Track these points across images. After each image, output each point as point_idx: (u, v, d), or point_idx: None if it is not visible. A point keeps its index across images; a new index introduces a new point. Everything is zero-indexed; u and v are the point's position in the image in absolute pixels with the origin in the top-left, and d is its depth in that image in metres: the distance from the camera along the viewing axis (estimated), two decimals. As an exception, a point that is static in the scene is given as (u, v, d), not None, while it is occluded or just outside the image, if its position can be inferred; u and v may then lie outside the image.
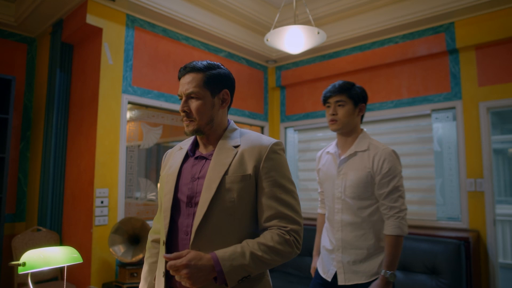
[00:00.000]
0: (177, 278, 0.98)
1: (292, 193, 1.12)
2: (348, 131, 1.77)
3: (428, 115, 3.36)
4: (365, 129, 1.83)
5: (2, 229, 2.85)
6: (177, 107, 3.40)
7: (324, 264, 1.80)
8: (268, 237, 1.05)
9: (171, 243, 1.13)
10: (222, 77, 1.17)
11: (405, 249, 2.66)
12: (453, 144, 3.27)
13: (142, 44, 3.16)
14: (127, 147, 3.08)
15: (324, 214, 2.00)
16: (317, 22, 3.68)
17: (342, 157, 1.76)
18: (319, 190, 2.02)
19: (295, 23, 2.69)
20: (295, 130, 4.38)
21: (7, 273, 3.06)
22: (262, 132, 4.43)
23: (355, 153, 1.74)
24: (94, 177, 2.79)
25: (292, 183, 1.14)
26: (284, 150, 1.18)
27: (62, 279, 2.98)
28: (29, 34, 3.49)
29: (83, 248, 2.75)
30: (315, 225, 3.06)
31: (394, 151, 1.68)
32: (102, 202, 2.81)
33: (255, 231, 1.13)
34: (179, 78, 1.18)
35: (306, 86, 4.28)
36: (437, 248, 2.68)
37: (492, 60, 3.07)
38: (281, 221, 1.07)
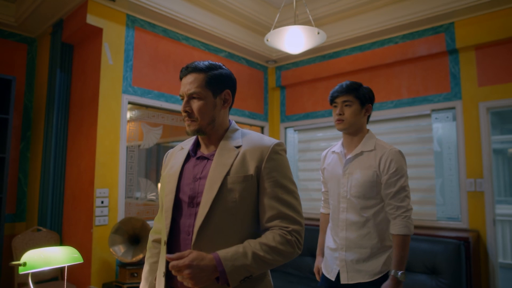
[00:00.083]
0: (179, 278, 0.98)
1: (294, 193, 1.12)
2: (354, 131, 1.78)
3: (428, 115, 3.36)
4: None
5: (2, 229, 2.86)
6: (177, 107, 3.41)
7: (328, 264, 1.80)
8: (270, 237, 1.05)
9: (173, 243, 1.13)
10: (224, 78, 1.18)
11: (405, 249, 2.66)
12: (453, 144, 3.28)
13: (142, 44, 3.17)
14: (127, 147, 3.08)
15: (327, 214, 2.01)
16: (317, 22, 3.68)
17: (348, 156, 1.77)
18: (323, 190, 2.02)
19: (295, 23, 2.69)
20: (295, 130, 4.38)
21: (8, 273, 3.06)
22: (262, 132, 4.43)
23: (361, 153, 1.75)
24: (94, 177, 2.79)
25: (294, 183, 1.14)
26: (285, 151, 1.18)
27: (63, 279, 2.98)
28: (29, 34, 3.49)
29: (83, 248, 2.75)
30: (315, 225, 3.07)
31: (400, 152, 1.70)
32: (102, 202, 2.81)
33: (257, 231, 1.13)
34: (181, 78, 1.18)
35: (306, 86, 4.28)
36: (437, 248, 2.68)
37: (492, 60, 3.07)
38: (282, 222, 1.08)
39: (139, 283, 2.63)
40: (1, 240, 2.83)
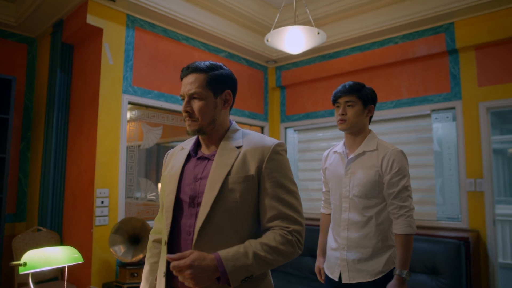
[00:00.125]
0: (180, 278, 0.98)
1: (294, 193, 1.13)
2: (357, 131, 1.79)
3: (428, 115, 3.36)
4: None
5: (3, 229, 2.86)
6: (177, 107, 3.41)
7: (330, 264, 1.81)
8: (270, 238, 1.05)
9: (173, 243, 1.13)
10: (225, 78, 1.18)
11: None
12: (453, 144, 3.28)
13: (142, 44, 3.17)
14: (127, 147, 3.08)
15: (327, 214, 2.01)
16: (317, 22, 3.68)
17: (351, 156, 1.78)
18: (324, 190, 2.03)
19: (295, 23, 2.70)
20: (295, 130, 4.39)
21: (8, 273, 3.07)
22: (262, 132, 4.43)
23: (363, 153, 1.76)
24: (94, 177, 2.79)
25: (294, 183, 1.15)
26: (286, 151, 1.18)
27: (63, 279, 2.98)
28: (29, 34, 3.49)
29: (84, 248, 2.75)
30: (315, 225, 3.07)
31: (402, 152, 1.71)
32: (102, 202, 2.81)
33: (257, 231, 1.13)
34: (182, 78, 1.18)
35: (306, 86, 4.28)
36: (437, 248, 2.68)
37: (492, 60, 3.08)
38: (283, 222, 1.08)
39: (139, 283, 2.63)
40: (1, 240, 2.83)
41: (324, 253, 1.99)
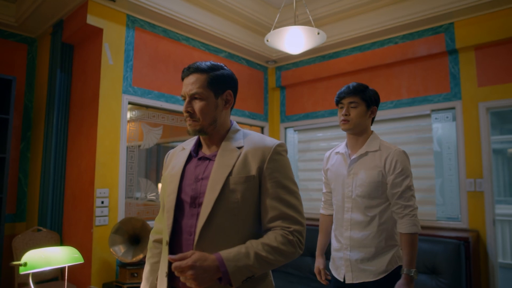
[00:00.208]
0: (182, 279, 0.99)
1: (295, 194, 1.13)
2: (359, 132, 1.80)
3: (428, 115, 3.36)
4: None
5: (3, 229, 2.86)
6: (177, 107, 3.41)
7: (336, 265, 1.81)
8: (271, 238, 1.06)
9: (174, 244, 1.13)
10: (226, 78, 1.18)
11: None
12: (453, 144, 3.28)
13: (143, 45, 3.17)
14: (127, 147, 3.08)
15: (327, 215, 2.01)
16: (317, 22, 3.68)
17: (353, 156, 1.79)
18: (324, 191, 2.03)
19: (295, 23, 2.70)
20: (295, 131, 4.39)
21: (8, 273, 3.07)
22: (262, 132, 4.44)
23: (366, 153, 1.77)
24: (94, 177, 2.79)
25: (295, 184, 1.15)
26: (287, 152, 1.19)
27: (63, 279, 2.98)
28: (29, 34, 3.49)
29: (84, 248, 2.75)
30: (315, 225, 3.07)
31: (404, 152, 1.73)
32: (102, 202, 2.81)
33: (258, 231, 1.14)
34: (183, 79, 1.19)
35: (306, 87, 4.28)
36: (437, 248, 2.69)
37: (492, 60, 3.08)
38: (284, 222, 1.08)
39: (139, 283, 2.63)
40: (1, 240, 2.83)
41: (323, 254, 2.00)
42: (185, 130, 1.16)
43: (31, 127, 3.48)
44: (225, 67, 1.20)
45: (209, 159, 1.17)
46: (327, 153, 2.01)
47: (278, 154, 1.13)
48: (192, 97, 1.15)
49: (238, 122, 3.98)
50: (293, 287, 3.07)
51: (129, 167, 3.09)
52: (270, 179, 1.10)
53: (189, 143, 1.27)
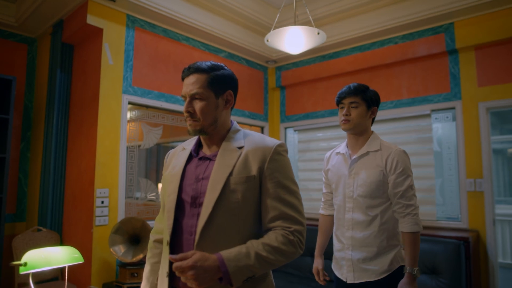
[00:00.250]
0: (183, 279, 0.99)
1: (296, 194, 1.13)
2: (360, 132, 1.81)
3: (428, 115, 3.36)
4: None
5: (3, 229, 2.86)
6: (177, 107, 3.41)
7: (339, 265, 1.82)
8: (272, 238, 1.06)
9: (175, 243, 1.13)
10: (226, 78, 1.18)
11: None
12: (453, 144, 3.28)
13: (143, 45, 3.17)
14: (127, 147, 3.08)
15: (327, 215, 2.02)
16: (317, 22, 3.68)
17: (354, 157, 1.79)
18: (324, 191, 2.03)
19: (295, 23, 2.70)
20: (295, 131, 4.39)
21: (8, 273, 3.07)
22: (262, 132, 4.44)
23: (367, 153, 1.77)
24: (94, 177, 2.79)
25: (296, 184, 1.15)
26: (287, 152, 1.19)
27: (63, 279, 2.98)
28: (29, 34, 3.49)
29: (84, 248, 2.75)
30: (315, 225, 3.07)
31: (405, 152, 1.74)
32: (102, 202, 2.81)
33: (259, 231, 1.14)
34: (183, 79, 1.19)
35: (306, 87, 4.28)
36: (437, 248, 2.69)
37: (492, 60, 3.08)
38: (285, 222, 1.08)
39: (139, 283, 2.63)
40: (1, 240, 2.83)
41: (322, 254, 2.00)
42: (185, 130, 1.15)
43: (31, 127, 3.48)
44: (226, 67, 1.20)
45: (210, 159, 1.17)
46: (327, 154, 2.01)
47: (278, 154, 1.13)
48: (193, 97, 1.15)
49: (238, 122, 3.97)
50: (293, 287, 3.07)
51: (129, 167, 3.09)
52: (271, 179, 1.11)
53: (190, 143, 1.27)
